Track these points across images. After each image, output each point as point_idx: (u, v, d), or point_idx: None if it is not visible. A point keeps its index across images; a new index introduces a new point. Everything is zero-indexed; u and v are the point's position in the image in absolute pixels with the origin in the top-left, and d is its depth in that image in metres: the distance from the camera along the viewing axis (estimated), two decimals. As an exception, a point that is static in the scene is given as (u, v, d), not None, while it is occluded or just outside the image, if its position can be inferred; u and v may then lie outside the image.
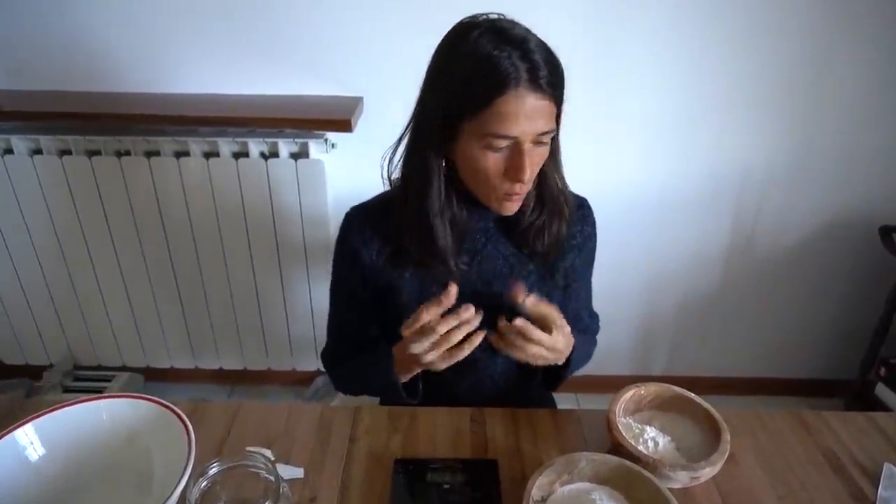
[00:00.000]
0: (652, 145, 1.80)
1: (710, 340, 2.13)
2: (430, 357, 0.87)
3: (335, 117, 1.61)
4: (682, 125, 1.76)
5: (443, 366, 0.89)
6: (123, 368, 2.11)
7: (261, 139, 1.72)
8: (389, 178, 0.98)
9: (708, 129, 1.77)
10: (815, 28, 1.64)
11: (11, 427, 0.81)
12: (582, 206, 1.07)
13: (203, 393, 2.15)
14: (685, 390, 0.95)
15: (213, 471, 0.73)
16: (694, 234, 1.93)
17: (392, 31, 1.63)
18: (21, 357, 2.08)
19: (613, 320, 2.04)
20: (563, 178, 0.99)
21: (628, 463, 0.82)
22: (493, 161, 0.85)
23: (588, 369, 2.11)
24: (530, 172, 0.84)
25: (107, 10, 1.63)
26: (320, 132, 1.72)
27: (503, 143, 0.83)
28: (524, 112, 0.80)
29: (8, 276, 1.92)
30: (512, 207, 0.91)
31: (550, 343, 0.88)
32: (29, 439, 0.82)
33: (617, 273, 1.96)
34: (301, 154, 1.74)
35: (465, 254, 0.98)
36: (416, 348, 0.87)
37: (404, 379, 0.96)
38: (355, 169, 1.80)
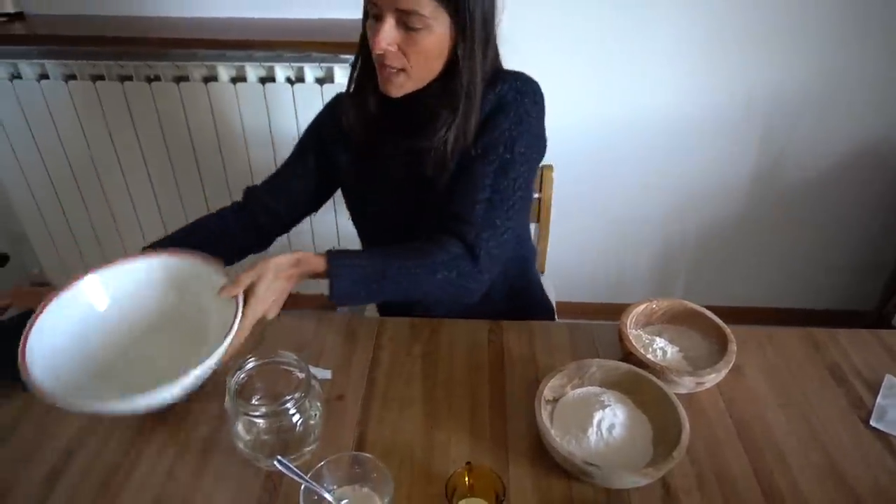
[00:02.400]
0: (682, 68, 1.76)
1: (729, 268, 2.14)
2: None
3: (360, 41, 1.60)
4: (713, 48, 1.72)
5: None
6: (161, 289, 2.21)
7: (287, 64, 1.73)
8: None
9: (735, 52, 1.72)
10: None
11: (76, 278, 0.89)
12: (513, 79, 0.97)
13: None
14: (696, 305, 0.99)
15: (249, 365, 0.81)
16: (720, 159, 1.91)
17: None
18: (65, 277, 2.19)
19: (633, 244, 2.07)
20: (469, 92, 0.92)
21: (636, 369, 0.87)
22: (370, 30, 0.90)
23: (604, 297, 2.17)
24: (386, 45, 0.87)
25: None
26: (346, 56, 1.72)
27: (374, 10, 0.88)
28: None
29: (51, 200, 2.00)
30: (386, 88, 0.94)
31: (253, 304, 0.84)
32: (94, 289, 0.90)
33: (639, 197, 1.96)
34: (327, 79, 1.75)
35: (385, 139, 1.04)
36: None
37: None
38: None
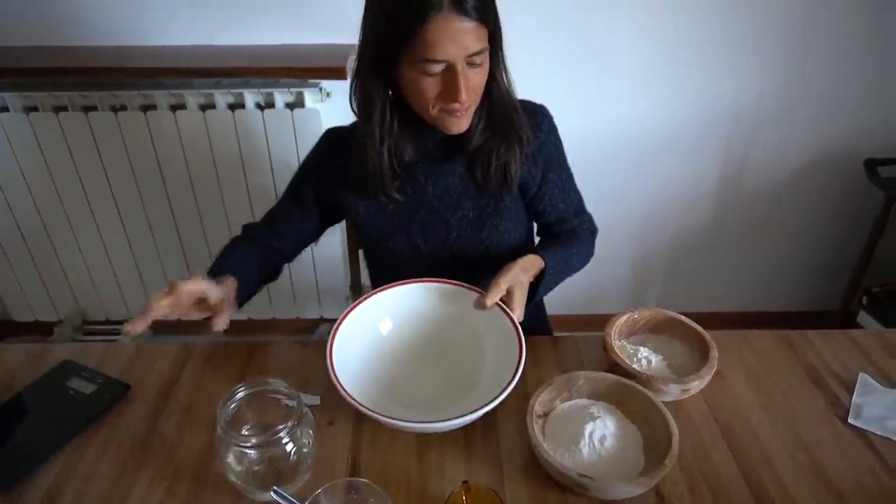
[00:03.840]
0: (642, 83, 1.82)
1: (701, 276, 2.20)
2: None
3: (329, 65, 1.61)
4: (672, 63, 1.78)
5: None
6: (131, 321, 2.16)
7: (256, 90, 1.73)
8: (357, 109, 1.02)
9: (698, 66, 1.79)
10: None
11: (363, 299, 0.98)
12: (535, 112, 1.08)
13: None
14: (676, 313, 1.01)
15: (240, 394, 0.80)
16: (685, 171, 1.97)
17: (383, -25, 1.63)
18: (30, 314, 2.13)
19: (606, 259, 2.10)
20: (512, 101, 1.00)
21: (623, 379, 0.88)
22: (430, 85, 0.89)
23: (582, 308, 2.19)
24: (466, 93, 0.88)
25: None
26: (315, 81, 1.73)
27: (437, 68, 0.87)
28: (451, 36, 0.84)
29: (12, 234, 1.94)
30: (459, 124, 0.95)
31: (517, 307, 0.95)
32: (378, 310, 0.98)
33: (609, 212, 1.99)
34: (297, 104, 1.75)
35: (410, 182, 1.04)
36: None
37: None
38: (351, 117, 1.80)
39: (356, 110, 1.00)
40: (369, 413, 0.81)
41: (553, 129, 1.10)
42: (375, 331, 0.99)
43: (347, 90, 1.72)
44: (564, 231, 1.15)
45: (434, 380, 0.96)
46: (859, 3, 1.69)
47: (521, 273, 0.97)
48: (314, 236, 1.18)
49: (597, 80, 1.81)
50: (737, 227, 2.09)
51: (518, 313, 0.94)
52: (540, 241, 1.19)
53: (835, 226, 2.09)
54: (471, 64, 0.88)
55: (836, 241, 2.11)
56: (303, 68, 1.64)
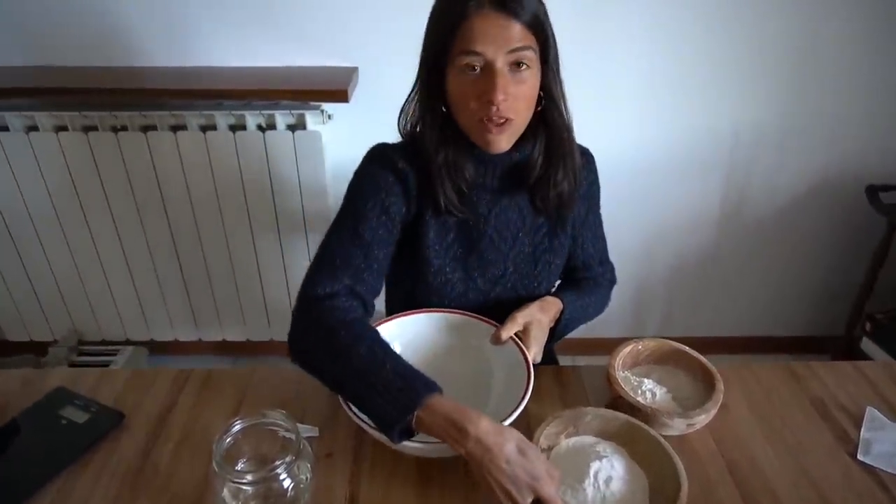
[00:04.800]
0: (643, 107, 1.82)
1: (703, 301, 2.18)
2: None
3: (331, 88, 1.61)
4: (674, 87, 1.79)
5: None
6: (127, 342, 2.14)
7: (257, 112, 1.73)
8: (404, 130, 1.01)
9: (699, 91, 1.79)
10: (806, -10, 1.66)
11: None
12: (583, 153, 1.09)
13: (207, 365, 2.18)
14: (681, 344, 1.00)
15: (236, 428, 0.78)
16: (686, 196, 1.96)
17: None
18: (25, 334, 2.10)
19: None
20: (569, 126, 0.98)
21: (634, 420, 0.85)
22: (469, 85, 0.88)
23: (584, 332, 2.17)
24: (503, 94, 0.85)
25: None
26: (317, 103, 1.73)
27: (476, 62, 0.86)
28: (490, 31, 0.84)
29: (9, 253, 1.93)
30: (496, 142, 0.91)
31: (534, 345, 0.96)
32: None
33: (610, 236, 1.99)
34: (298, 126, 1.75)
35: (473, 205, 1.01)
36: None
37: (416, 429, 0.77)
38: (353, 139, 1.81)
39: (414, 128, 0.99)
40: (373, 432, 0.79)
41: (597, 173, 1.13)
42: None
43: (349, 112, 1.75)
44: (587, 279, 1.18)
45: None
46: (859, 30, 1.70)
47: (538, 312, 0.97)
48: None
49: (597, 106, 1.81)
50: (739, 252, 2.08)
51: (535, 351, 0.93)
52: (560, 285, 1.17)
53: (837, 251, 2.08)
54: (515, 67, 0.86)
55: (839, 266, 2.10)
56: (305, 91, 1.63)
